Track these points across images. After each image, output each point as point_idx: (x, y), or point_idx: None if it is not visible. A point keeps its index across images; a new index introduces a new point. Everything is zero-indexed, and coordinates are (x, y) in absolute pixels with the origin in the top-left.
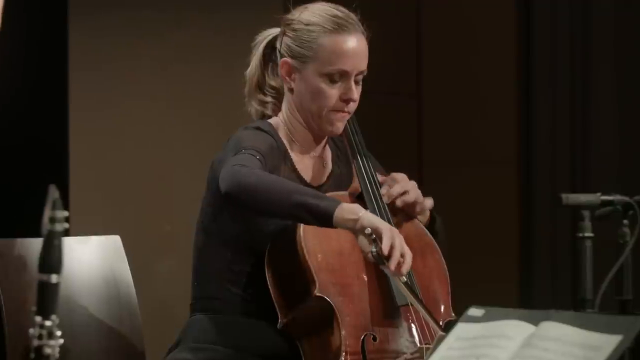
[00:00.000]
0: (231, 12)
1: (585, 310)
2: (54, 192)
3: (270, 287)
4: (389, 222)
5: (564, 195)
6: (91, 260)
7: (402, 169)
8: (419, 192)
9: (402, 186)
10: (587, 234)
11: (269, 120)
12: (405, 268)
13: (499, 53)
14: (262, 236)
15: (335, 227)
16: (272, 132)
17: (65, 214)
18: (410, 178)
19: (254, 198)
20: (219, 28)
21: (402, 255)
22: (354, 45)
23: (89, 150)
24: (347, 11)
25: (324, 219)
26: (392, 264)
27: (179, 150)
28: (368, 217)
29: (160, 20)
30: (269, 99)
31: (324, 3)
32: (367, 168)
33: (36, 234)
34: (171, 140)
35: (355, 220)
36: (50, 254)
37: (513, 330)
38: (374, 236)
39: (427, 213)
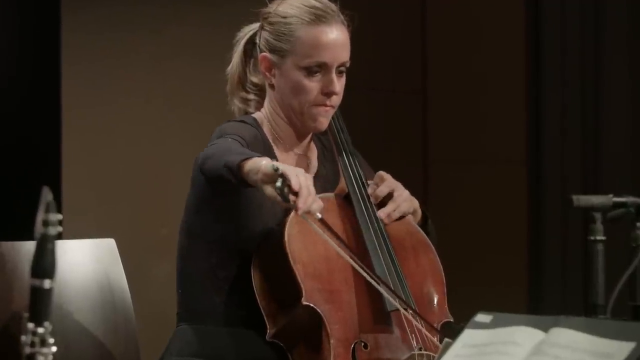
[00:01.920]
0: (228, 7)
1: (597, 316)
2: (47, 195)
3: (257, 294)
4: (378, 222)
5: (574, 197)
6: (85, 264)
7: (407, 167)
8: (406, 193)
9: (388, 186)
10: (598, 237)
11: (253, 115)
12: (308, 204)
13: (507, 49)
14: (248, 237)
15: (249, 184)
16: (256, 126)
17: (59, 217)
18: (415, 176)
19: (208, 165)
20: (215, 23)
21: (309, 194)
22: (333, 36)
23: (82, 150)
24: (326, 1)
25: (235, 174)
26: (301, 201)
27: (175, 149)
28: (269, 163)
29: (155, 16)
30: (251, 96)
31: None
32: (354, 167)
33: (27, 236)
34: (167, 139)
35: (257, 171)
36: (44, 258)
37: (522, 337)
38: (281, 172)
39: (419, 212)
